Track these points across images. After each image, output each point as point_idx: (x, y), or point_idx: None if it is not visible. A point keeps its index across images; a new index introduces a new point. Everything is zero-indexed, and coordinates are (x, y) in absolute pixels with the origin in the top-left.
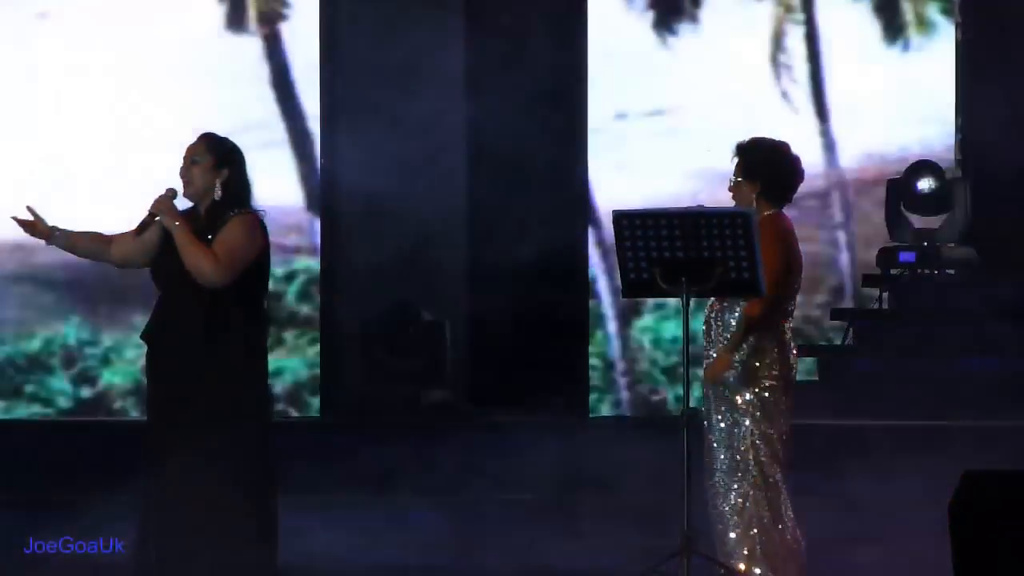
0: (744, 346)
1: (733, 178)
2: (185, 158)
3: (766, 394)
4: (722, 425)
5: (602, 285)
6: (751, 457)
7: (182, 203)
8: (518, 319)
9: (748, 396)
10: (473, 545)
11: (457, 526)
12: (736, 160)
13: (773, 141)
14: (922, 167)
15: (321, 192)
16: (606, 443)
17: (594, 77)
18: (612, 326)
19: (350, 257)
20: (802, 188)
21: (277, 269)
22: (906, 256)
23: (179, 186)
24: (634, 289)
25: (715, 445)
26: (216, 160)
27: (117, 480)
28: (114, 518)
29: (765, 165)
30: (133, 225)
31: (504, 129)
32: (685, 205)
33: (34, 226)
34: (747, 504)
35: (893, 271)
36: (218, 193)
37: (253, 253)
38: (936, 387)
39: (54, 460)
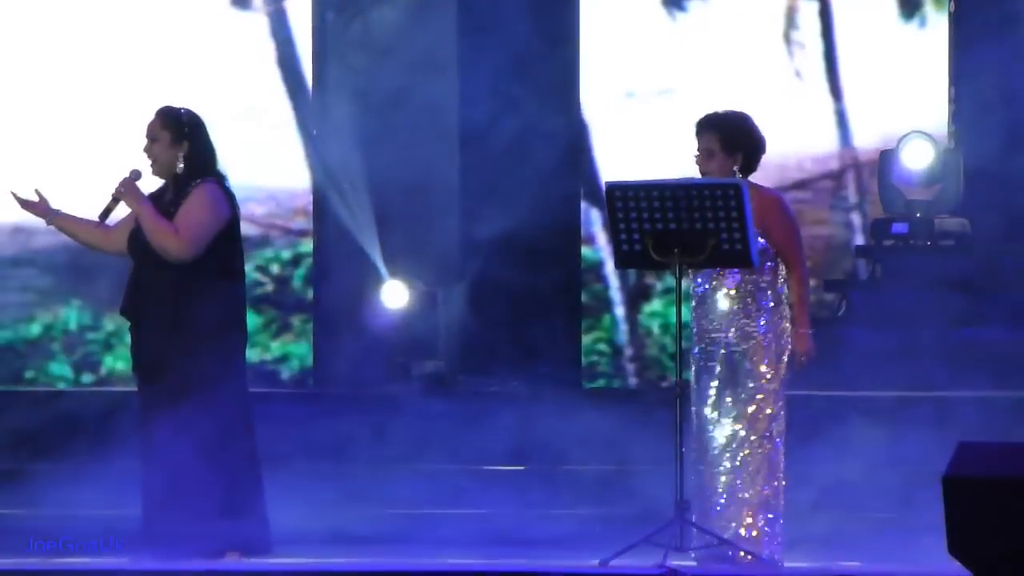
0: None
1: (704, 152)
2: (146, 136)
3: (772, 366)
4: (728, 396)
5: (609, 268)
6: (755, 425)
7: (154, 182)
8: (511, 289)
9: (764, 367)
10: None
11: (442, 495)
12: (706, 135)
13: (743, 113)
14: (915, 138)
15: (312, 164)
16: (599, 414)
17: (601, 54)
18: (620, 311)
19: (343, 228)
20: (816, 169)
21: (283, 252)
22: (899, 227)
23: (145, 165)
24: (626, 260)
25: (715, 415)
26: (173, 135)
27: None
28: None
29: (745, 138)
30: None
31: (502, 104)
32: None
33: (35, 206)
34: (748, 471)
35: (886, 242)
36: (180, 167)
37: (217, 223)
38: (930, 358)
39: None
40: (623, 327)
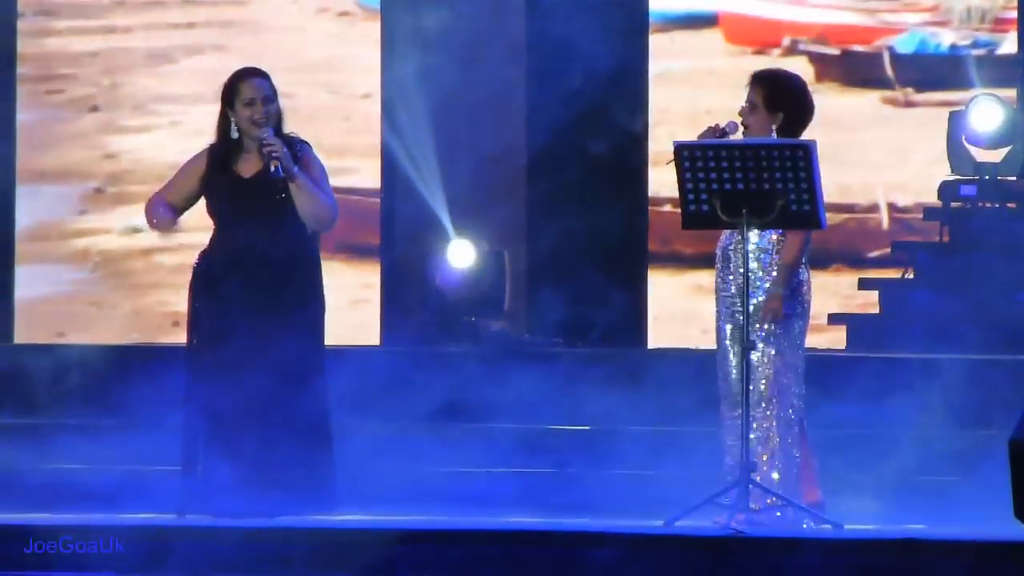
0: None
1: (749, 104)
2: (255, 100)
3: (797, 325)
4: (753, 357)
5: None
6: (780, 386)
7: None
8: (578, 248)
9: (781, 328)
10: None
11: (506, 454)
12: (754, 89)
13: (796, 75)
14: (984, 99)
15: (381, 121)
16: (663, 375)
17: None
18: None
19: (411, 187)
20: None
21: None
22: (967, 189)
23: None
24: (694, 221)
25: (739, 377)
26: (276, 93)
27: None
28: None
29: (790, 98)
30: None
31: (570, 64)
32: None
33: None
34: (779, 431)
35: (954, 204)
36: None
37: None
38: (998, 321)
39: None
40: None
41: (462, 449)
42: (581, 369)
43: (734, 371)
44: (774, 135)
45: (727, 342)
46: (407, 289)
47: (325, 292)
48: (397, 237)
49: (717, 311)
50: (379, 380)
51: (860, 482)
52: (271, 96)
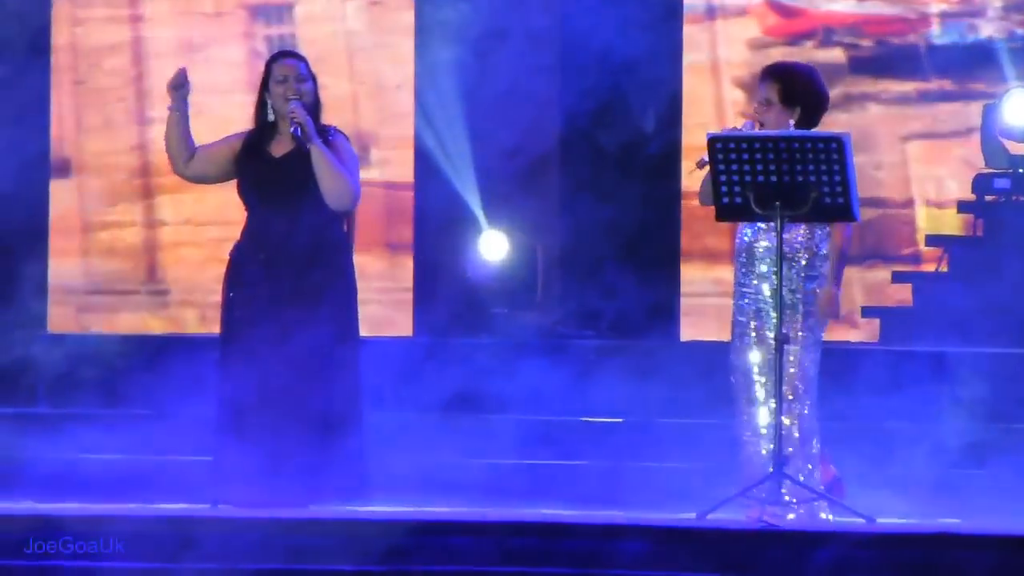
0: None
1: (763, 100)
2: (288, 77)
3: (822, 322)
4: (781, 353)
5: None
6: (805, 383)
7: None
8: (610, 240)
9: (810, 324)
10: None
11: (539, 446)
12: (769, 85)
13: (809, 66)
14: (1018, 92)
15: (414, 112)
16: (695, 367)
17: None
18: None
19: (443, 178)
20: None
21: None
22: (1001, 182)
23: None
24: (728, 213)
25: (764, 372)
26: (315, 82)
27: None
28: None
29: (806, 92)
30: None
31: (604, 58)
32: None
33: (181, 85)
34: (801, 426)
35: (988, 197)
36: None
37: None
38: None
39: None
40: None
41: (493, 440)
42: (613, 361)
43: (756, 367)
44: (792, 128)
45: (751, 339)
46: (439, 280)
47: (356, 279)
48: (429, 229)
49: (738, 306)
50: (410, 371)
51: (891, 476)
52: (305, 76)
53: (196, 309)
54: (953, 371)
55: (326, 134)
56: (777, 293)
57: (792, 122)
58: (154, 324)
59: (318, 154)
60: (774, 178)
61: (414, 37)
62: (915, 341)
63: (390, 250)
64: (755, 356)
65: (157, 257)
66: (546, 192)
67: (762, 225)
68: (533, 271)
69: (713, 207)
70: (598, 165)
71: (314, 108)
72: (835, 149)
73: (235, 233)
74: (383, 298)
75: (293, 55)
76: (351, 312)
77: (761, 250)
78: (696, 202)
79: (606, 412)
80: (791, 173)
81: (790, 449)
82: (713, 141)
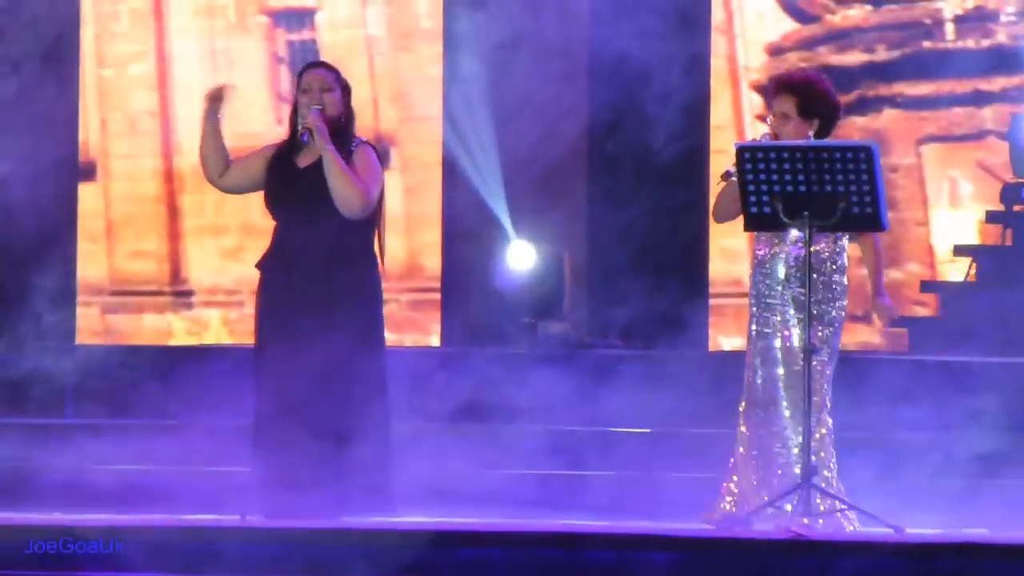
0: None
1: (779, 114)
2: (311, 88)
3: (839, 334)
4: (796, 367)
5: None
6: (825, 393)
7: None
8: (639, 250)
9: (829, 339)
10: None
11: (565, 457)
12: (784, 98)
13: (822, 75)
14: None
15: (443, 123)
16: (722, 377)
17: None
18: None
19: (470, 188)
20: None
21: None
22: None
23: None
24: (756, 223)
25: (789, 387)
26: (344, 91)
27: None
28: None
29: (823, 103)
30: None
31: (632, 69)
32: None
33: (220, 98)
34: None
35: (1016, 207)
36: (341, 122)
37: (382, 186)
38: None
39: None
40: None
41: (522, 450)
42: (640, 370)
43: (782, 380)
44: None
45: (776, 351)
46: (467, 291)
47: (380, 289)
48: (457, 239)
49: (756, 318)
50: (437, 381)
51: (919, 485)
52: (331, 85)
53: (219, 309)
54: (981, 381)
55: (350, 144)
56: (806, 304)
57: (811, 134)
58: (177, 324)
59: (328, 159)
60: (803, 188)
61: (441, 49)
62: (944, 351)
63: (412, 252)
64: (783, 369)
65: (180, 259)
66: (573, 202)
67: (775, 239)
68: (560, 281)
69: (724, 222)
70: (625, 174)
71: (339, 118)
72: (864, 159)
73: (257, 236)
74: (407, 299)
75: (322, 65)
76: (372, 322)
77: (778, 262)
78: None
79: (634, 422)
80: (819, 183)
81: (817, 456)
82: (741, 151)
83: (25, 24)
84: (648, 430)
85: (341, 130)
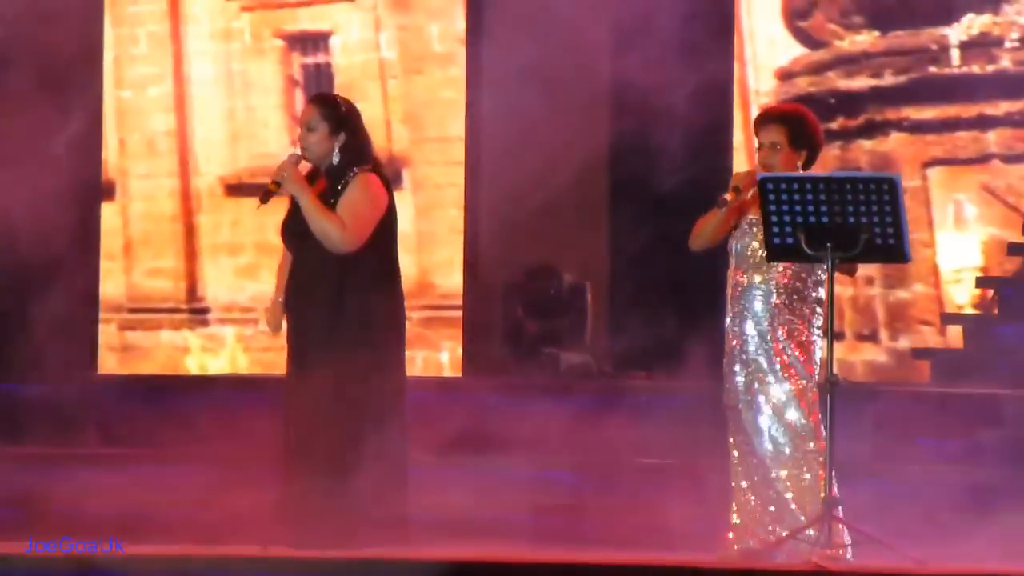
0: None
1: (770, 145)
2: (300, 125)
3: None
4: (786, 397)
5: None
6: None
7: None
8: (660, 281)
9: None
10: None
11: (585, 488)
12: (775, 129)
13: (806, 108)
14: None
15: (464, 153)
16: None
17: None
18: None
19: (491, 218)
20: None
21: None
22: None
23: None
24: (778, 253)
25: (777, 422)
26: (332, 126)
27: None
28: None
29: (811, 134)
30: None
31: (654, 99)
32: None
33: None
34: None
35: None
36: (336, 157)
37: (378, 212)
38: None
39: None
40: None
41: (549, 481)
42: (664, 401)
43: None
44: (799, 171)
45: (760, 395)
46: (489, 321)
47: (379, 319)
48: (480, 268)
49: (737, 359)
50: (460, 412)
51: (942, 518)
52: (314, 124)
53: (234, 327)
54: (1006, 414)
55: (344, 175)
56: (829, 330)
57: (800, 164)
58: (193, 341)
59: (302, 203)
60: (825, 219)
61: (465, 84)
62: (967, 383)
63: (423, 270)
64: (770, 411)
65: (197, 277)
66: (596, 232)
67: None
68: (583, 311)
69: (700, 250)
70: (648, 204)
71: (326, 156)
72: (887, 190)
73: (272, 254)
74: (418, 316)
75: (313, 100)
76: (380, 350)
77: (747, 292)
78: None
79: (657, 453)
80: (843, 214)
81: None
82: (764, 182)
83: (50, 49)
84: (670, 461)
85: (329, 168)
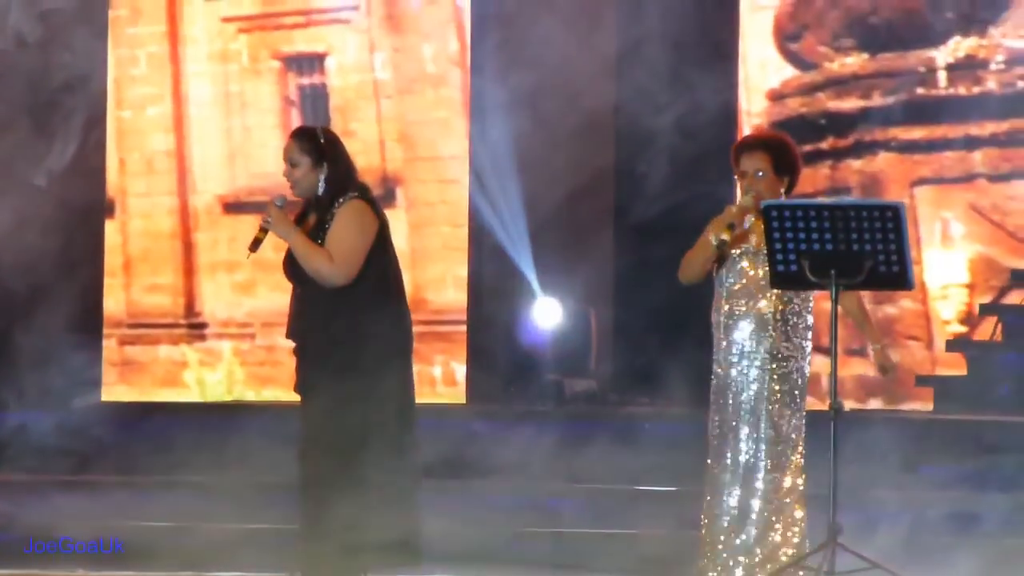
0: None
1: (753, 171)
2: (284, 160)
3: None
4: (773, 420)
5: None
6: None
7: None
8: (665, 308)
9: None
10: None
11: (590, 515)
12: (759, 156)
13: (787, 136)
14: None
15: (468, 180)
16: None
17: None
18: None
19: (497, 245)
20: None
21: None
22: None
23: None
24: (782, 281)
25: (767, 443)
26: (314, 159)
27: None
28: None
29: (794, 160)
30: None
31: (660, 124)
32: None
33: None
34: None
35: None
36: (321, 188)
37: (368, 239)
38: None
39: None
40: None
41: (557, 508)
42: (666, 428)
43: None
44: (783, 197)
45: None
46: (493, 348)
47: (372, 344)
48: (484, 295)
49: (726, 385)
50: (464, 438)
51: (946, 546)
52: (295, 160)
53: (232, 341)
54: (1008, 441)
55: (332, 206)
56: (833, 358)
57: (782, 190)
58: (191, 356)
59: (292, 244)
60: (829, 246)
61: (468, 108)
62: (970, 410)
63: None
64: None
65: (195, 293)
66: (600, 259)
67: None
68: (587, 338)
69: (689, 283)
70: (653, 232)
71: (312, 189)
72: (891, 217)
73: (268, 271)
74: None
75: (294, 134)
76: (358, 376)
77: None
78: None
79: (660, 480)
80: (847, 241)
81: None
82: (768, 209)
83: (55, 71)
84: (676, 488)
85: (316, 200)
